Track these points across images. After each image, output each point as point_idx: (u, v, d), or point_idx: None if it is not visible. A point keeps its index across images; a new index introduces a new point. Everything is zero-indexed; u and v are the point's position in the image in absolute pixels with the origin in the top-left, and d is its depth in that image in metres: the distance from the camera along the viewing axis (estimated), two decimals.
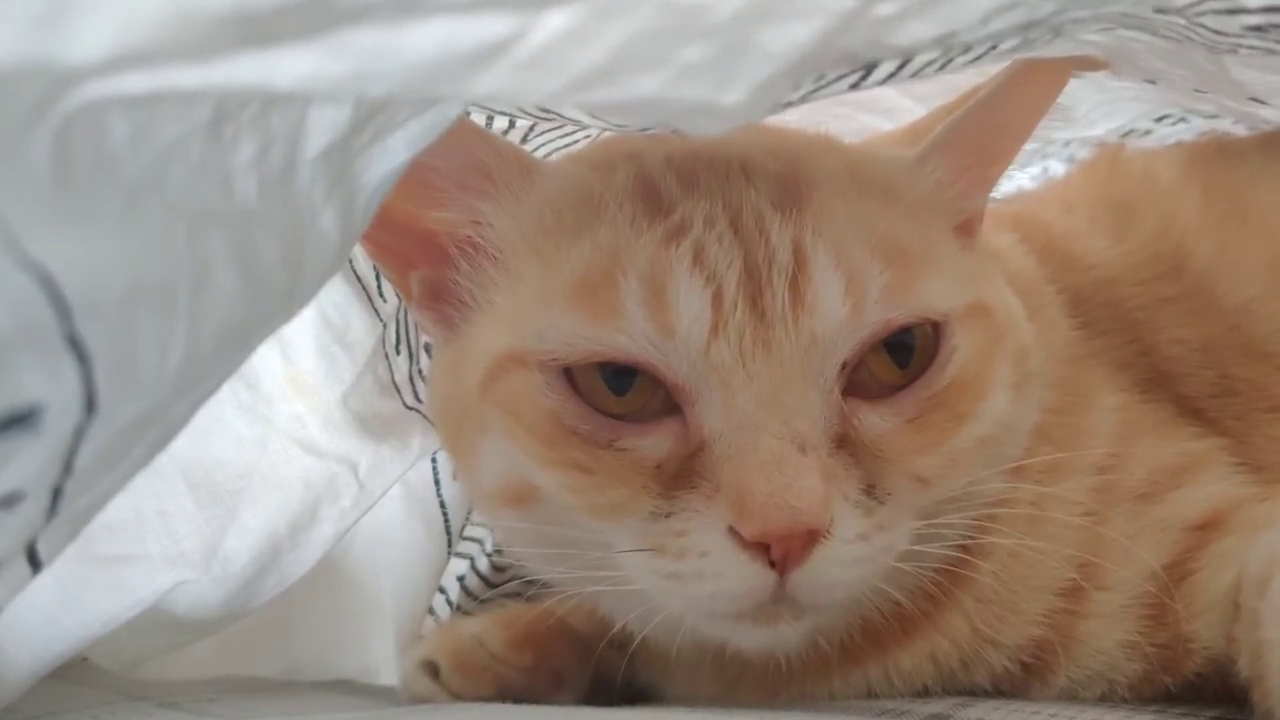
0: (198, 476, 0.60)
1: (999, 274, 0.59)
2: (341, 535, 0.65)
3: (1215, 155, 0.76)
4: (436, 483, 0.72)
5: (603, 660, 0.67)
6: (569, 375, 0.50)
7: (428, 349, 0.69)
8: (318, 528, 0.64)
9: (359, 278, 0.63)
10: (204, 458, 0.61)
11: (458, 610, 0.79)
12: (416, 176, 0.53)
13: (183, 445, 0.41)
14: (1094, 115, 0.81)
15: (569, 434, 0.49)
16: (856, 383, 0.50)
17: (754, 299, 0.48)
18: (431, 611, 0.77)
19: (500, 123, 0.65)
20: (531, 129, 0.67)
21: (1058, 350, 0.61)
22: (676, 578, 0.47)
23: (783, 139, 0.60)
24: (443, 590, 0.78)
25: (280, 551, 0.63)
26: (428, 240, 0.56)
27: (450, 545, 0.74)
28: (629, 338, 0.48)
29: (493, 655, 0.68)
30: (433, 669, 0.68)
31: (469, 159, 0.54)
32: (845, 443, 0.49)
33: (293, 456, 0.62)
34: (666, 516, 0.48)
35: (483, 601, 0.79)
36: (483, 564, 0.80)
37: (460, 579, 0.79)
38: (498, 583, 0.79)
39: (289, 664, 0.72)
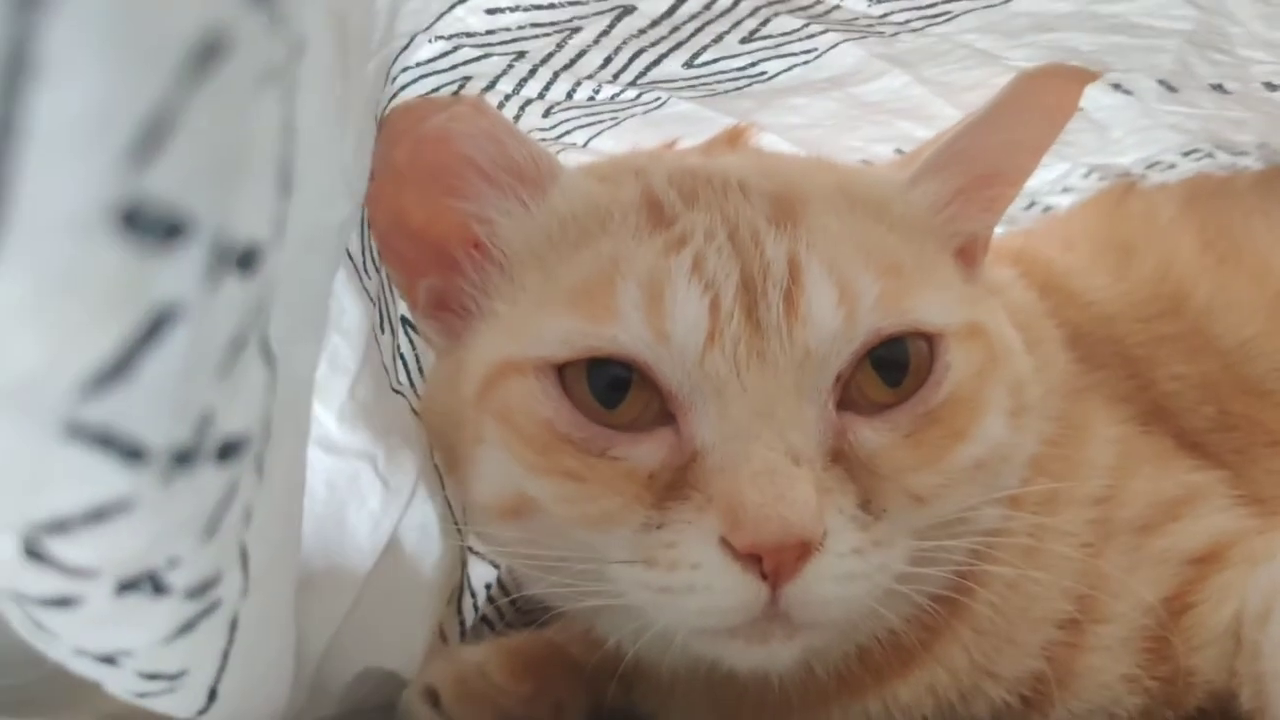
0: None
1: (999, 307, 0.60)
2: (379, 547, 0.61)
3: (1212, 194, 0.77)
4: None
5: (602, 689, 0.67)
6: (563, 383, 0.50)
7: (405, 322, 0.67)
8: (351, 539, 0.60)
9: (349, 255, 0.60)
10: None
11: (483, 622, 0.77)
12: (454, 168, 0.54)
13: None
14: (1127, 141, 0.80)
15: (563, 442, 0.49)
16: (851, 399, 0.50)
17: (750, 310, 0.49)
18: (459, 613, 0.73)
19: (530, 92, 0.64)
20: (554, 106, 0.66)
21: (1056, 384, 0.61)
22: (667, 591, 0.47)
23: (777, 162, 0.61)
24: (473, 594, 0.75)
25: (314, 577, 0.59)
26: (440, 248, 0.57)
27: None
28: (626, 336, 0.48)
29: (494, 684, 0.68)
30: (433, 697, 0.68)
31: (504, 155, 0.54)
32: (840, 457, 0.49)
33: (315, 459, 0.58)
34: (658, 528, 0.47)
35: (502, 608, 0.77)
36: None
37: (488, 586, 0.77)
38: (519, 599, 0.77)
39: None
